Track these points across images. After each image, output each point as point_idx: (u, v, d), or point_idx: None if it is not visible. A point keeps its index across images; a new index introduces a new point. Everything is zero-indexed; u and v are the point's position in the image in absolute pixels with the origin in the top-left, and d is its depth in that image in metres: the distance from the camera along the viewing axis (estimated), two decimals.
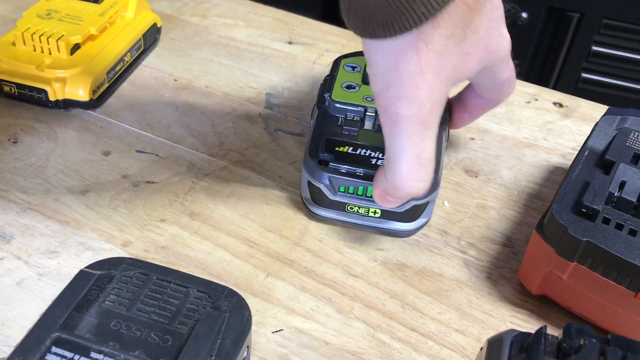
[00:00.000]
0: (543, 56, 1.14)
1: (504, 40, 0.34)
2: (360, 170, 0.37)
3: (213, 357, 0.27)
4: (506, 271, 0.38)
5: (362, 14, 0.29)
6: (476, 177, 0.44)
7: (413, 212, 0.37)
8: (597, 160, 0.36)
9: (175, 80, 0.51)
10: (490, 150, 0.46)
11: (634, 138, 0.36)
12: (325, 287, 0.36)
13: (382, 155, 0.38)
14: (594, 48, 1.07)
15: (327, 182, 0.37)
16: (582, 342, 0.23)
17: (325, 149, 0.38)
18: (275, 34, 0.57)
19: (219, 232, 0.38)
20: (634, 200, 0.32)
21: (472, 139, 0.47)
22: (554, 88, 1.22)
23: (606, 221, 0.32)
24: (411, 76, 0.30)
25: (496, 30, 0.33)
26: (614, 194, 0.33)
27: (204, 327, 0.27)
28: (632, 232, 0.31)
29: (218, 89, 0.50)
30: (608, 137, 0.37)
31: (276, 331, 0.33)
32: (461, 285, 0.37)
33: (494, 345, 0.25)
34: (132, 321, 0.28)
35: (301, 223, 0.39)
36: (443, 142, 0.40)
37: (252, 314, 0.30)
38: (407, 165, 0.32)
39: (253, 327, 0.32)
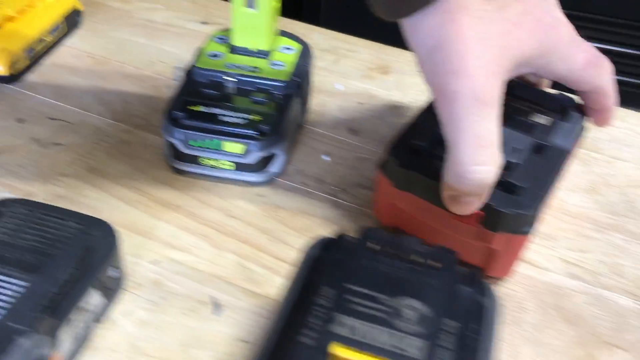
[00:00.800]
0: None
1: (560, 23, 0.33)
2: (209, 126, 0.41)
3: (77, 269, 0.31)
4: (369, 210, 0.42)
5: None
6: (357, 135, 0.49)
7: (263, 163, 0.42)
8: (432, 109, 0.41)
9: (92, 57, 0.55)
10: (375, 113, 0.51)
11: None
12: (205, 227, 0.40)
13: (234, 113, 0.42)
14: None
15: (179, 137, 0.41)
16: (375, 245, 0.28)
17: (180, 108, 0.42)
18: (192, 15, 0.62)
19: (114, 183, 0.43)
20: None
21: (361, 103, 0.52)
22: None
23: (431, 155, 0.36)
24: (455, 47, 0.29)
25: (546, 8, 0.32)
26: (439, 132, 0.37)
27: (71, 246, 0.32)
28: None
29: (131, 64, 0.55)
30: None
31: (153, 261, 0.38)
32: (328, 223, 0.41)
33: (310, 247, 0.30)
34: (13, 247, 0.32)
35: (192, 175, 0.44)
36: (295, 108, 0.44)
37: (134, 249, 0.34)
38: (466, 147, 0.29)
39: (132, 259, 0.37)
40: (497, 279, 0.39)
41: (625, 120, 0.53)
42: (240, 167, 0.42)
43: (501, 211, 0.34)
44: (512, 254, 0.37)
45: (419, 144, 0.37)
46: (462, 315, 0.25)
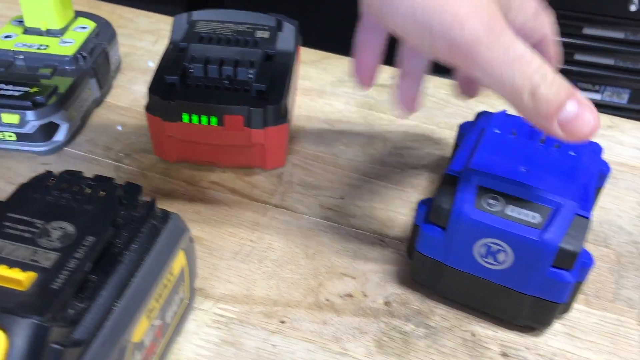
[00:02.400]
0: None
1: None
2: None
3: None
4: (148, 172, 0.46)
5: None
6: None
7: (45, 134, 0.45)
8: (177, 48, 0.45)
9: None
10: None
11: (199, 25, 0.46)
12: None
13: (14, 87, 0.44)
14: None
15: None
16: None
17: None
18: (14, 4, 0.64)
19: None
20: (201, 65, 0.43)
21: None
22: None
23: (186, 84, 0.42)
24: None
25: None
26: (188, 65, 0.42)
27: None
28: (207, 87, 0.42)
29: None
30: (183, 30, 0.46)
31: None
32: None
33: None
34: None
35: None
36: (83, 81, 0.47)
37: None
38: (520, 76, 0.28)
39: None
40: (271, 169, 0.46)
41: None
42: (21, 137, 0.45)
43: (259, 109, 0.41)
44: (281, 144, 0.44)
45: (172, 78, 0.42)
46: (109, 233, 0.28)
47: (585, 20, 1.14)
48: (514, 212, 0.33)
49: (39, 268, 0.26)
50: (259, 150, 0.44)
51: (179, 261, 0.32)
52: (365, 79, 0.39)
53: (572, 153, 0.38)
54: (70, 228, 0.28)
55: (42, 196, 0.29)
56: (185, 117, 0.41)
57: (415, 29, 0.29)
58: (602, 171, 0.39)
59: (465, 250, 0.34)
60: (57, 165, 0.46)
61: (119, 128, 0.50)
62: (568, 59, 1.16)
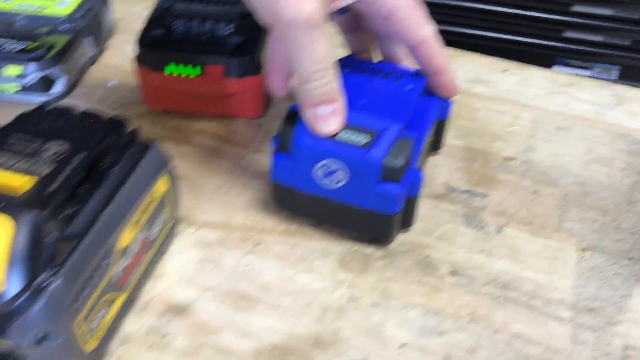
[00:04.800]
0: None
1: None
2: None
3: None
4: (137, 122, 0.50)
5: None
6: None
7: (46, 85, 0.49)
8: (162, 8, 0.49)
9: None
10: None
11: None
12: None
13: (16, 43, 0.49)
14: None
15: None
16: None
17: None
18: None
19: None
20: (184, 21, 0.46)
21: None
22: None
23: (170, 39, 0.46)
24: None
25: None
26: (171, 22, 0.47)
27: None
28: (189, 41, 0.46)
29: None
30: None
31: None
32: None
33: None
34: None
35: None
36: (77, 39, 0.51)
37: None
38: (306, 63, 0.35)
39: None
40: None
41: None
42: (24, 89, 0.49)
43: (237, 59, 0.45)
44: (257, 93, 0.48)
45: (157, 32, 0.46)
46: (98, 152, 0.32)
47: None
48: (346, 136, 0.37)
49: (39, 175, 0.30)
50: (237, 99, 0.48)
51: (161, 184, 0.36)
52: (278, 88, 0.43)
53: (410, 86, 0.42)
54: (64, 146, 0.32)
55: (39, 121, 0.34)
56: (170, 68, 0.46)
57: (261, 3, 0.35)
58: (442, 105, 0.43)
59: (307, 174, 0.38)
60: None
61: (112, 83, 0.54)
62: (557, 36, 1.19)
